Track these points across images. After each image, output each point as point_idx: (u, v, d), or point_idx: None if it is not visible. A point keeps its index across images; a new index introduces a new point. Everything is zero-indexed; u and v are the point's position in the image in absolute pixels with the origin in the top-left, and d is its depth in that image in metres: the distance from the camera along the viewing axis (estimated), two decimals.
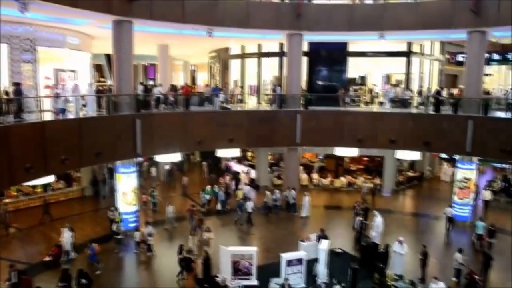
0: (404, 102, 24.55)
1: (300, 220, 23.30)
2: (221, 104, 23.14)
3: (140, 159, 26.73)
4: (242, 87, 30.37)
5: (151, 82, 33.51)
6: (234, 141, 22.25)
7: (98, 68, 35.31)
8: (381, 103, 25.27)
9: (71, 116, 17.51)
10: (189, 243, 18.45)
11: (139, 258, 18.91)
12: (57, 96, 17.31)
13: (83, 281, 14.92)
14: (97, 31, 22.30)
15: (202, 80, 43.71)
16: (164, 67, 30.48)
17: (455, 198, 23.67)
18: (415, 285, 15.19)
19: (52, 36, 21.58)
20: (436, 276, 15.54)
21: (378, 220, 19.92)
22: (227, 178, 28.21)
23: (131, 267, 18.63)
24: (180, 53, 36.18)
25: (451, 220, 22.26)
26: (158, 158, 24.08)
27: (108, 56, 33.39)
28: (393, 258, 17.35)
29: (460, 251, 16.88)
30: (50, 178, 18.85)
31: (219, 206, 24.74)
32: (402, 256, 17.16)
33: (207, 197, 24.89)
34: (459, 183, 23.50)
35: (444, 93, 23.96)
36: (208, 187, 25.47)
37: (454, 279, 15.18)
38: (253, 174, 29.72)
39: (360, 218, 20.78)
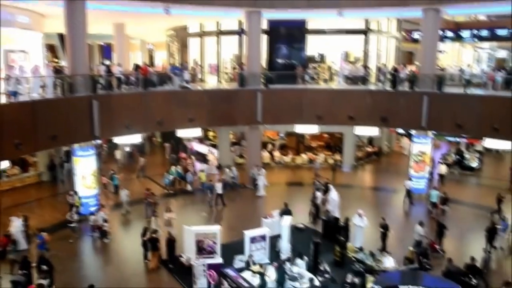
0: (359, 79, 25.02)
1: (258, 199, 23.45)
2: (181, 84, 22.83)
3: (99, 141, 26.16)
4: (201, 66, 30.02)
5: (107, 62, 32.52)
6: (194, 121, 22.10)
7: (50, 49, 33.90)
8: (348, 80, 25.59)
9: (24, 98, 16.87)
10: (152, 225, 18.35)
11: (95, 245, 18.46)
12: (8, 78, 16.61)
13: (44, 267, 14.59)
14: (49, 9, 21.35)
15: (161, 59, 42.82)
16: (121, 47, 29.67)
17: (412, 172, 24.54)
18: (374, 256, 15.73)
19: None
20: (395, 246, 16.27)
21: (333, 194, 20.52)
22: (192, 158, 28.08)
23: (87, 255, 18.23)
24: (137, 32, 35.23)
25: (409, 192, 23.16)
26: (118, 140, 23.62)
27: (61, 36, 32.09)
28: (353, 231, 17.92)
29: (421, 223, 17.59)
30: (4, 164, 18.20)
31: (188, 187, 24.69)
32: (361, 228, 17.75)
33: (171, 177, 24.70)
34: (415, 157, 24.34)
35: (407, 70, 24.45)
36: (173, 168, 25.30)
37: (411, 248, 15.83)
38: (215, 153, 29.68)
39: (319, 194, 21.21)
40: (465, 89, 21.35)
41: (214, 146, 30.83)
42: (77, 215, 19.04)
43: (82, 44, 19.58)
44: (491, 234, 17.56)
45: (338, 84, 25.32)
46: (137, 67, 23.05)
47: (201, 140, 32.14)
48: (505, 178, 27.25)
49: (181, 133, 24.89)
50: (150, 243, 16.62)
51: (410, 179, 23.71)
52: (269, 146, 31.19)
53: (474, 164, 30.54)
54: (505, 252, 17.89)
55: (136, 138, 22.81)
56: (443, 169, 26.32)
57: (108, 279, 15.37)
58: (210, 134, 32.69)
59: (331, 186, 21.39)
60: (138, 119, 20.56)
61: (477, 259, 15.18)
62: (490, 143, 22.42)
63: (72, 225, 18.83)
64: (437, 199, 21.48)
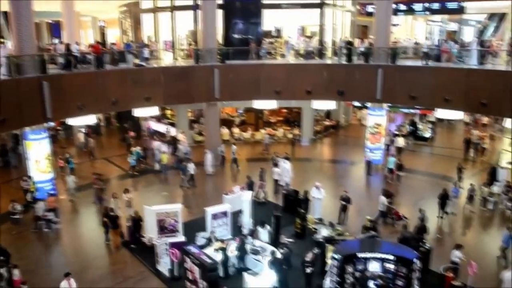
0: (310, 54, 25.16)
1: (218, 176, 23.25)
2: (137, 62, 22.20)
3: (51, 124, 25.26)
4: (156, 42, 29.26)
5: (56, 41, 31.14)
6: (151, 100, 21.60)
7: None
8: (300, 55, 25.57)
9: None
10: (111, 206, 18.02)
11: (46, 234, 17.65)
12: None
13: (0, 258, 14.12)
14: None
15: (114, 37, 41.41)
16: (70, 25, 28.38)
17: (368, 143, 25.14)
18: (333, 226, 16.12)
19: None
20: (354, 216, 16.80)
21: (285, 166, 20.99)
22: (154, 138, 27.58)
23: (42, 243, 17.37)
24: (87, 9, 33.83)
25: (369, 163, 23.87)
26: (72, 121, 22.82)
27: (5, 14, 30.33)
28: (313, 203, 18.29)
29: (385, 194, 18.11)
30: None
31: (157, 166, 24.53)
32: (320, 200, 18.14)
33: (134, 158, 24.34)
34: (371, 128, 24.92)
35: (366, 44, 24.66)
36: (137, 148, 25.01)
37: (368, 217, 16.32)
38: (173, 132, 29.31)
39: (276, 169, 21.47)
40: (424, 61, 21.82)
41: (172, 124, 30.42)
42: (20, 207, 18.34)
43: (28, 22, 18.60)
44: (443, 200, 18.36)
45: (285, 58, 25.23)
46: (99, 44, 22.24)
47: (159, 119, 31.63)
48: (457, 147, 28.40)
49: (137, 112, 24.33)
50: (110, 222, 16.42)
51: (370, 151, 24.37)
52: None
53: (427, 134, 31.63)
54: (457, 217, 18.76)
55: (91, 119, 22.07)
56: (400, 141, 27.02)
57: (69, 265, 15.00)
58: (168, 112, 32.20)
59: (284, 160, 21.82)
60: (92, 99, 19.85)
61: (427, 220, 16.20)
62: (442, 113, 23.20)
63: (15, 217, 18.03)
64: (393, 165, 22.82)
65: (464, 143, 27.01)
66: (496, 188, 19.34)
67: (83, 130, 29.17)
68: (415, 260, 12.05)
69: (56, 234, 17.66)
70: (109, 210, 17.00)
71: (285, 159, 22.90)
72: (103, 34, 44.85)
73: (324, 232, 15.33)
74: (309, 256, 12.47)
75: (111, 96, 20.41)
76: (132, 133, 28.90)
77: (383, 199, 17.98)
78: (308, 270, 12.56)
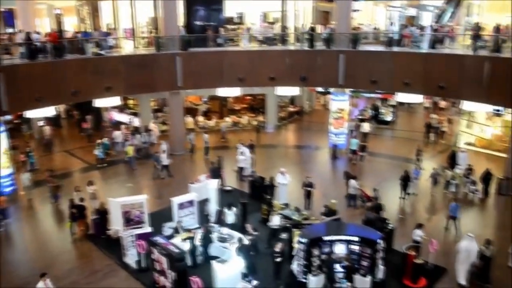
0: (271, 40, 25.20)
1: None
2: (93, 50, 21.58)
3: (8, 117, 24.36)
4: (115, 30, 28.47)
5: (10, 30, 29.91)
6: (112, 89, 21.09)
7: None
8: (260, 42, 25.49)
9: None
10: (75, 200, 17.60)
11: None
12: None
13: None
14: None
15: (71, 25, 40.03)
16: (25, 12, 27.23)
17: (332, 128, 25.50)
18: (299, 211, 16.34)
19: None
20: (319, 200, 17.07)
21: (244, 152, 21.47)
22: (119, 129, 27.01)
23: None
24: None
25: (335, 147, 24.47)
26: (30, 114, 22.00)
27: None
28: (278, 189, 18.46)
29: (354, 177, 18.44)
30: None
31: (126, 157, 24.01)
32: (285, 186, 18.33)
33: (101, 150, 23.81)
34: (334, 114, 25.25)
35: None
36: (104, 140, 24.51)
37: (333, 201, 16.61)
38: (136, 122, 28.82)
39: (240, 157, 21.58)
40: (387, 46, 22.21)
41: (135, 114, 29.91)
42: None
43: None
44: (405, 182, 18.90)
45: (243, 45, 25.14)
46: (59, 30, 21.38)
47: (121, 109, 31.01)
48: (417, 129, 29.21)
49: (99, 103, 23.72)
50: (77, 211, 16.18)
51: (334, 136, 24.89)
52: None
53: (389, 118, 32.35)
54: (419, 198, 19.36)
55: (50, 111, 21.32)
56: (366, 127, 27.42)
57: (32, 262, 14.62)
58: (130, 102, 31.61)
59: (241, 146, 22.05)
60: (50, 90, 19.19)
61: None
62: (402, 97, 23.74)
63: None
64: (356, 146, 23.77)
65: (425, 127, 27.69)
66: (458, 171, 19.88)
67: (42, 122, 28.26)
68: (379, 240, 12.40)
69: (8, 233, 16.94)
70: (76, 200, 16.75)
71: (249, 146, 23.03)
72: (59, 23, 43.28)
73: (275, 220, 15.20)
74: (278, 247, 12.56)
75: (71, 87, 19.79)
76: (86, 124, 28.26)
77: (353, 183, 18.30)
78: (278, 259, 12.65)
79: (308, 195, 18.14)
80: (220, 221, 15.89)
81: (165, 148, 23.05)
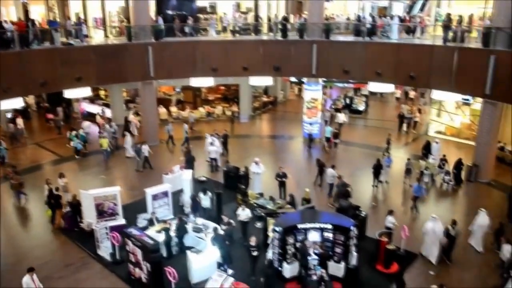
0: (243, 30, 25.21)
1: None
2: (62, 40, 21.06)
3: None
4: (85, 20, 27.86)
5: None
6: (82, 80, 20.64)
7: None
8: (232, 32, 25.34)
9: None
10: (45, 193, 17.24)
11: None
12: None
13: None
14: None
15: (39, 14, 38.89)
16: None
17: (305, 118, 25.68)
18: (274, 200, 16.45)
19: None
20: (294, 189, 17.24)
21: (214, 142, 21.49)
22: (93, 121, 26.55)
23: None
24: None
25: (310, 136, 24.65)
26: None
27: None
28: (253, 178, 18.52)
29: (333, 167, 18.60)
30: None
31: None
32: (259, 175, 18.41)
33: (79, 141, 23.46)
34: (307, 103, 25.42)
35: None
36: (80, 131, 24.19)
37: (307, 189, 16.78)
38: (108, 113, 28.36)
39: (211, 148, 21.54)
40: (363, 37, 22.40)
41: (107, 105, 29.42)
42: None
43: None
44: (377, 170, 19.23)
45: (210, 36, 24.97)
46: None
47: (92, 100, 30.45)
48: (389, 119, 29.70)
49: (69, 94, 23.18)
50: (54, 201, 16.06)
51: (310, 125, 25.20)
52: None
53: (361, 107, 32.78)
54: (390, 185, 19.73)
55: (18, 102, 20.69)
56: (341, 117, 27.58)
57: (3, 258, 14.22)
58: (102, 93, 31.08)
59: (208, 136, 22.17)
60: (18, 81, 18.61)
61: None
62: (374, 86, 24.07)
63: None
64: (330, 134, 24.46)
65: (398, 117, 27.89)
66: (431, 161, 20.17)
67: (10, 114, 27.48)
68: (352, 228, 12.61)
69: None
70: (54, 189, 16.59)
71: (224, 136, 23.03)
72: (26, 12, 41.97)
73: (243, 215, 14.98)
74: (253, 240, 12.53)
75: (39, 78, 19.29)
76: (51, 115, 27.67)
77: (332, 172, 18.43)
78: (254, 253, 12.64)
79: (281, 185, 18.20)
80: (196, 206, 15.89)
81: (129, 140, 22.77)
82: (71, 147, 23.57)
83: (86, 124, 25.80)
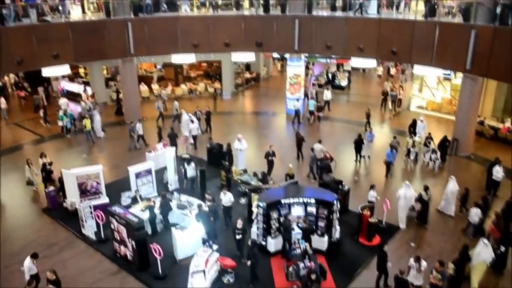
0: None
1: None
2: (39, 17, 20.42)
3: None
4: None
5: None
6: (60, 57, 20.12)
7: None
8: (213, 7, 24.88)
9: None
10: (26, 174, 17.05)
11: None
12: None
13: None
14: None
15: None
16: None
17: (288, 94, 25.66)
18: (257, 176, 16.53)
19: None
20: (278, 165, 17.30)
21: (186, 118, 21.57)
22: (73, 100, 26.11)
23: None
24: None
25: (297, 112, 24.70)
26: None
27: None
28: (236, 155, 18.54)
29: (319, 141, 18.65)
30: None
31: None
32: (242, 151, 18.44)
33: (66, 119, 23.21)
34: (290, 79, 25.36)
35: None
36: (69, 109, 23.91)
37: (290, 165, 16.91)
38: (89, 91, 27.88)
39: (193, 125, 21.49)
40: (342, 11, 22.28)
41: (87, 83, 28.92)
42: None
43: None
44: (359, 145, 19.43)
45: (184, 11, 24.55)
46: None
47: (71, 78, 29.90)
48: (371, 94, 29.85)
49: (47, 72, 22.67)
50: (45, 175, 16.29)
51: (297, 100, 25.15)
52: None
53: (344, 83, 32.85)
54: (372, 160, 19.96)
55: None
56: (328, 94, 27.31)
57: None
58: (81, 71, 30.51)
59: (183, 112, 22.08)
60: None
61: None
62: (356, 62, 24.07)
63: None
64: (314, 107, 24.80)
65: (382, 95, 27.55)
66: (417, 139, 20.02)
67: None
68: (334, 202, 12.79)
69: None
70: (47, 164, 16.89)
71: (206, 113, 22.94)
72: None
73: (225, 200, 14.43)
74: (239, 223, 12.53)
75: (15, 55, 18.76)
76: (21, 93, 27.17)
77: (320, 146, 18.46)
78: (238, 236, 12.62)
79: (271, 164, 17.93)
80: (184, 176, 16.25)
81: (98, 119, 22.45)
82: (46, 126, 23.22)
83: (62, 101, 25.37)
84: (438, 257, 11.60)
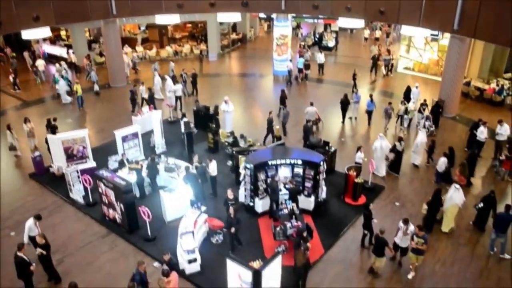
0: None
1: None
2: None
3: None
4: None
5: None
6: (40, 19, 19.49)
7: None
8: None
9: None
10: (8, 139, 16.83)
11: None
12: None
13: None
14: None
15: None
16: None
17: (275, 55, 25.39)
18: (244, 138, 16.54)
19: None
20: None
21: (169, 83, 21.32)
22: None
23: None
24: None
25: (289, 73, 24.77)
26: None
27: None
28: (223, 117, 18.47)
29: (311, 104, 18.59)
30: None
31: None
32: (229, 113, 18.36)
33: (63, 82, 22.76)
34: (277, 40, 25.02)
35: None
36: (63, 73, 23.64)
37: (277, 127, 16.93)
38: (72, 55, 27.25)
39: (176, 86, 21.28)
40: None
41: (69, 46, 28.24)
42: None
43: None
44: (344, 105, 19.47)
45: None
46: None
47: (53, 41, 29.15)
48: (359, 55, 29.61)
49: (27, 35, 21.98)
50: (51, 131, 16.47)
51: (290, 60, 25.17)
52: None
53: (331, 44, 32.53)
54: (358, 121, 20.06)
55: None
56: (321, 57, 26.77)
57: None
58: (63, 33, 29.73)
59: (167, 77, 21.87)
60: None
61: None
62: (344, 22, 23.72)
63: None
64: (302, 65, 25.19)
65: (371, 59, 26.98)
66: (410, 105, 19.71)
67: None
68: (321, 163, 12.90)
69: None
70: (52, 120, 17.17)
71: (192, 75, 22.68)
72: None
73: (212, 168, 14.08)
74: (230, 194, 12.43)
75: None
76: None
77: (313, 109, 18.42)
78: (231, 208, 12.40)
79: (270, 131, 17.52)
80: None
81: (62, 85, 22.00)
82: (15, 92, 22.87)
83: (39, 62, 24.86)
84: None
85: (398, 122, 19.43)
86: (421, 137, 15.98)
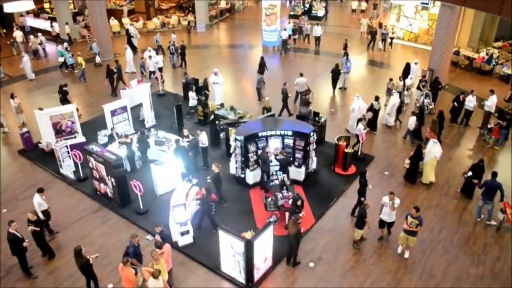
0: None
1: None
2: None
3: None
4: None
5: None
6: None
7: None
8: None
9: None
10: None
11: None
12: None
13: None
14: None
15: None
16: None
17: (264, 25, 25.06)
18: (234, 110, 16.46)
19: None
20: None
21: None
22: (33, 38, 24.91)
23: None
24: None
25: (284, 42, 24.61)
26: None
27: None
28: (213, 89, 18.33)
29: (301, 74, 18.41)
30: None
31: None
32: (219, 85, 18.21)
33: (68, 54, 22.50)
34: (266, 10, 24.66)
35: None
36: (65, 45, 23.20)
37: (267, 98, 16.85)
38: (56, 28, 26.67)
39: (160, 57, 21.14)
40: None
41: (53, 19, 27.60)
42: None
43: None
44: (335, 74, 19.38)
45: None
46: None
47: (36, 14, 28.45)
48: (347, 25, 29.26)
49: (9, 7, 21.37)
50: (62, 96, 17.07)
51: (284, 30, 24.89)
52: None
53: (321, 13, 32.09)
54: (348, 91, 20.03)
55: None
56: (318, 30, 25.85)
57: None
58: (46, 6, 29.01)
59: (150, 49, 21.70)
60: None
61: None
62: None
63: None
64: (290, 31, 25.51)
65: (369, 34, 25.86)
66: (408, 81, 19.29)
67: None
68: (311, 133, 12.93)
69: None
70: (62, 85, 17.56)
71: (181, 47, 22.38)
72: None
73: (203, 139, 14.08)
74: (215, 168, 12.25)
75: None
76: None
77: (303, 80, 18.22)
78: (203, 188, 12.19)
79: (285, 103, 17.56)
80: None
81: (26, 60, 21.51)
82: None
83: (17, 33, 24.50)
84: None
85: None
86: (394, 99, 16.64)
